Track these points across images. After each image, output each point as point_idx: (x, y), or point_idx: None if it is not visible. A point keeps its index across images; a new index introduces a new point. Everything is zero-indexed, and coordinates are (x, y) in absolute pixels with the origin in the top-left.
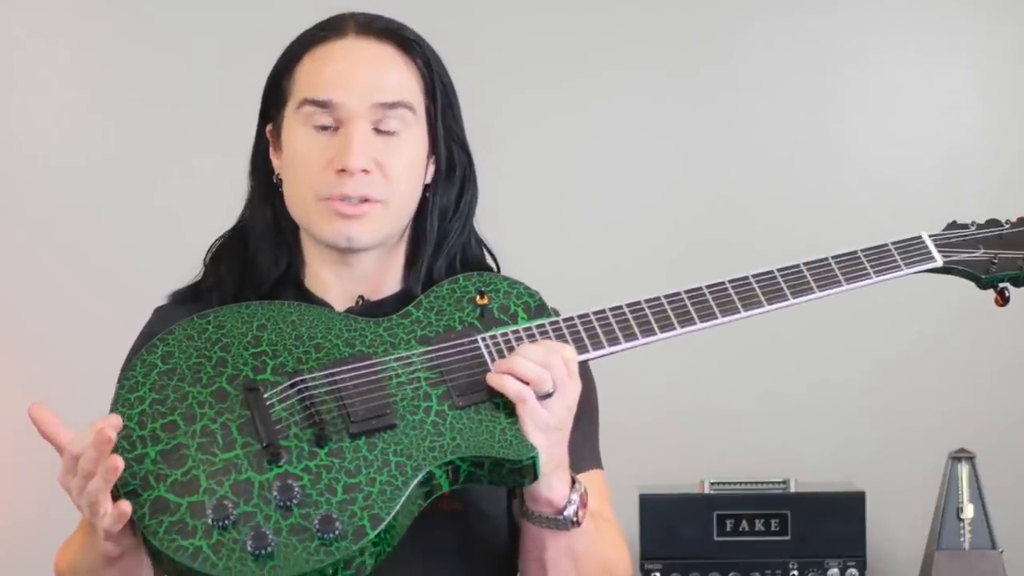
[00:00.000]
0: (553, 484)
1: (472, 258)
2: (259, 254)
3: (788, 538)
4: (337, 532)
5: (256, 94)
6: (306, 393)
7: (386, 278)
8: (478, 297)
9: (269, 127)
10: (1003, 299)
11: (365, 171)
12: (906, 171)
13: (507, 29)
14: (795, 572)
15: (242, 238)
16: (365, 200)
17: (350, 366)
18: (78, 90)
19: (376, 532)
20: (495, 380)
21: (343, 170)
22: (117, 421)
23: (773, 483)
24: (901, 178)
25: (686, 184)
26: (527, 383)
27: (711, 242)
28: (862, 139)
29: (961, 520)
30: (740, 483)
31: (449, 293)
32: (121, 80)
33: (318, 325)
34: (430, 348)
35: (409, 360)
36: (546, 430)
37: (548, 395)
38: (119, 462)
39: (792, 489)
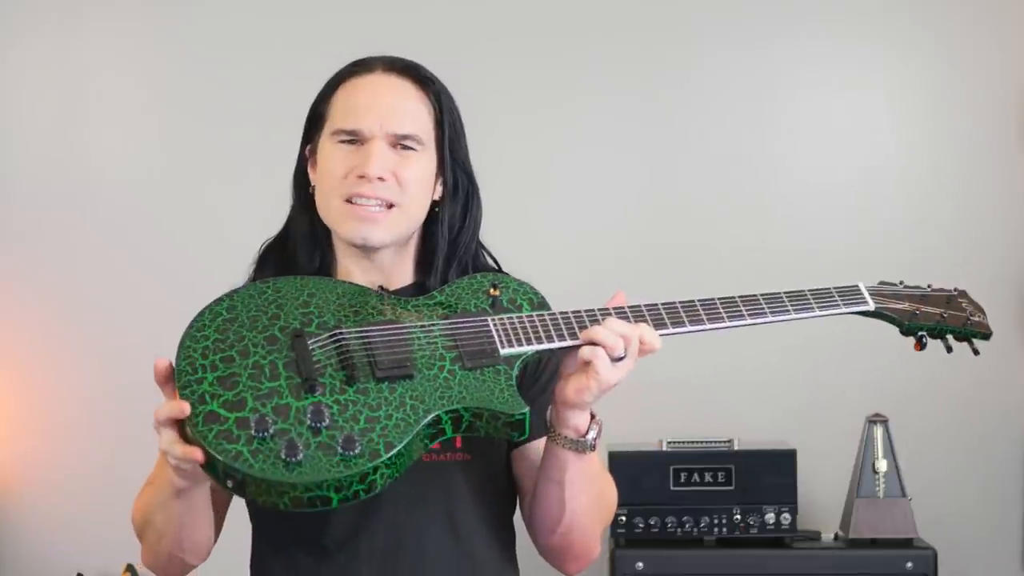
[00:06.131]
0: (583, 415)
1: (481, 266)
2: (298, 254)
3: (732, 488)
4: (356, 451)
5: (286, 121)
6: (342, 343)
7: (400, 272)
8: (491, 289)
9: (307, 147)
10: (920, 346)
11: (381, 179)
12: (829, 182)
13: (498, 65)
14: (738, 516)
15: (283, 244)
16: (388, 205)
17: (381, 327)
18: (140, 114)
19: (388, 455)
20: (584, 335)
21: (362, 176)
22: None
23: (720, 442)
24: (825, 188)
25: (649, 193)
26: (605, 347)
27: (671, 243)
28: (794, 155)
29: (876, 473)
30: (692, 442)
31: (468, 285)
32: (176, 106)
33: (359, 297)
34: (449, 321)
35: (431, 328)
36: (605, 389)
37: (620, 359)
38: (185, 407)
39: (736, 447)
